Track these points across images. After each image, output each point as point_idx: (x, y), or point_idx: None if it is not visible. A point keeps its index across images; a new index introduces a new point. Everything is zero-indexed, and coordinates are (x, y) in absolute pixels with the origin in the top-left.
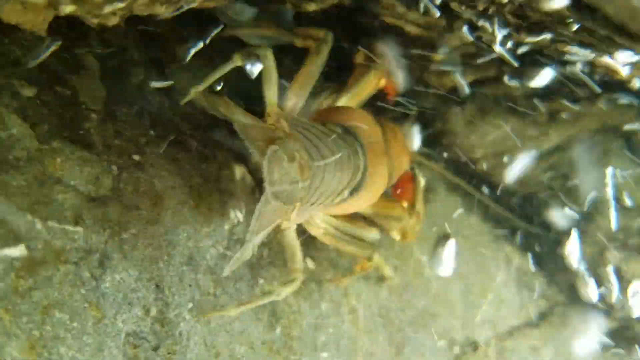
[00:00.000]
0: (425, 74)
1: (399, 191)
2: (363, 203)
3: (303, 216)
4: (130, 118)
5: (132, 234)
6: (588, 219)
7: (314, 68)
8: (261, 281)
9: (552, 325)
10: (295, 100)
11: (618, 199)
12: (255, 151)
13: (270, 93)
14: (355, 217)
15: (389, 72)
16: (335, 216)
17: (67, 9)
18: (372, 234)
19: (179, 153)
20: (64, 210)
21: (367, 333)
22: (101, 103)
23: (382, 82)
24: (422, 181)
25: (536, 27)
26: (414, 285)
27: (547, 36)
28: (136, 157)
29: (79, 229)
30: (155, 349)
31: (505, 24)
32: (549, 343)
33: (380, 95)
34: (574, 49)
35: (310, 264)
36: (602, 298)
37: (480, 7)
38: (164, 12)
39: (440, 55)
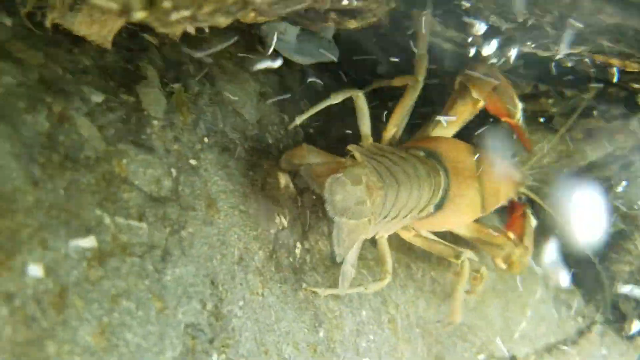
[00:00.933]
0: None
1: (507, 222)
2: (452, 220)
3: (389, 229)
4: (187, 126)
5: (189, 232)
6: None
7: (408, 102)
8: (304, 285)
9: (590, 343)
10: (394, 129)
11: None
12: (317, 187)
13: (363, 128)
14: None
15: (494, 95)
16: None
17: (139, 14)
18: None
19: (229, 160)
20: (129, 207)
21: (406, 342)
22: (162, 111)
23: (479, 107)
24: (533, 221)
25: (577, 38)
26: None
27: (585, 47)
28: (193, 162)
29: (143, 224)
30: (211, 341)
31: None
32: None
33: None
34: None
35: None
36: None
37: (520, 19)
38: (223, 22)
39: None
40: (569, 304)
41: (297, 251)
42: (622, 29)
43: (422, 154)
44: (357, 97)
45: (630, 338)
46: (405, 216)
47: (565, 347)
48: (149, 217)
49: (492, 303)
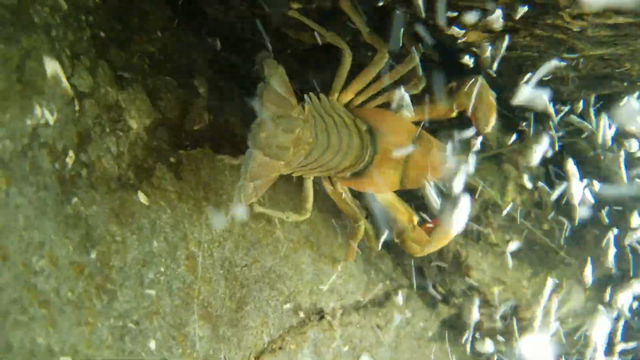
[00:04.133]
0: None
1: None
2: (366, 188)
3: (304, 173)
4: None
5: None
6: None
7: (371, 73)
8: (75, 200)
9: (395, 306)
10: (352, 96)
11: None
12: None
13: (337, 82)
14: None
15: (473, 111)
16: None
17: None
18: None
19: None
20: None
21: (206, 282)
22: None
23: (452, 115)
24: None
25: None
26: (263, 243)
27: None
28: None
29: None
30: None
31: None
32: (391, 323)
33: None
34: None
35: (144, 199)
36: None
37: None
38: None
39: None
40: (379, 266)
41: (69, 160)
42: None
43: (364, 127)
44: (346, 55)
45: (434, 304)
46: (323, 172)
47: (372, 308)
48: None
49: (305, 253)
